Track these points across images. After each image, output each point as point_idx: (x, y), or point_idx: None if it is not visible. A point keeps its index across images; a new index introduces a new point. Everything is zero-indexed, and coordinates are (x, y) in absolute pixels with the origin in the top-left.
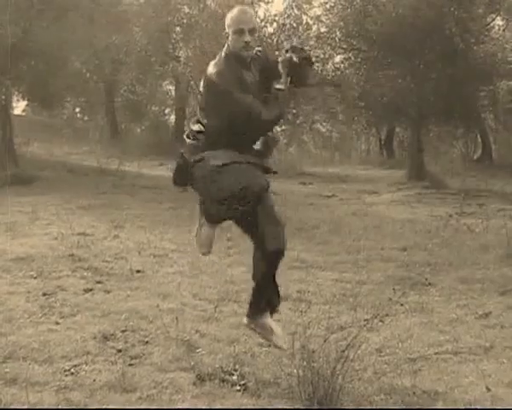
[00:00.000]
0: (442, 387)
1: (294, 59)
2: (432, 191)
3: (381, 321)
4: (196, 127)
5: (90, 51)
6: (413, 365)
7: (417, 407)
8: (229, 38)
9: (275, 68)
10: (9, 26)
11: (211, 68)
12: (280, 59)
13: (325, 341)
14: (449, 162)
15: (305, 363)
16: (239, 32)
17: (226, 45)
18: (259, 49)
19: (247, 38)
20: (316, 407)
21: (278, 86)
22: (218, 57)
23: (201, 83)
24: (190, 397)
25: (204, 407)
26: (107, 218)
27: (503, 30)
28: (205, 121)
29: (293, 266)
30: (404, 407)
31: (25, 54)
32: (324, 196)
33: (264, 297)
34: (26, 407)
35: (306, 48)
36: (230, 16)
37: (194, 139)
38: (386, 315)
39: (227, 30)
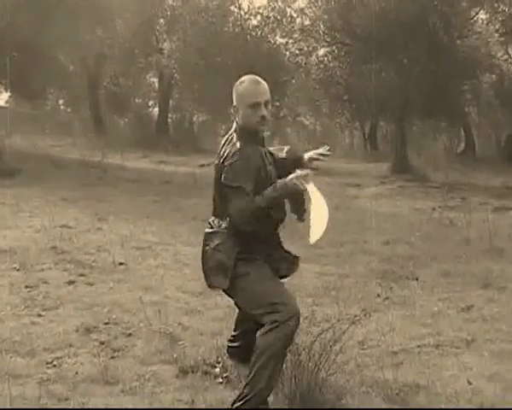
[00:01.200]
0: (424, 380)
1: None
2: (415, 185)
3: (363, 314)
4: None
5: (74, 44)
6: (395, 358)
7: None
8: (240, 113)
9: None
10: None
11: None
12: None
13: (313, 339)
14: (432, 156)
15: (287, 356)
16: (254, 105)
17: (235, 123)
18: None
19: (264, 111)
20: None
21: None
22: (230, 142)
23: (217, 173)
24: (173, 390)
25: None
26: (90, 210)
27: (487, 24)
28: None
29: None
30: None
31: (8, 46)
32: None
33: None
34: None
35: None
36: (243, 88)
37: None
38: (365, 311)
39: (236, 103)
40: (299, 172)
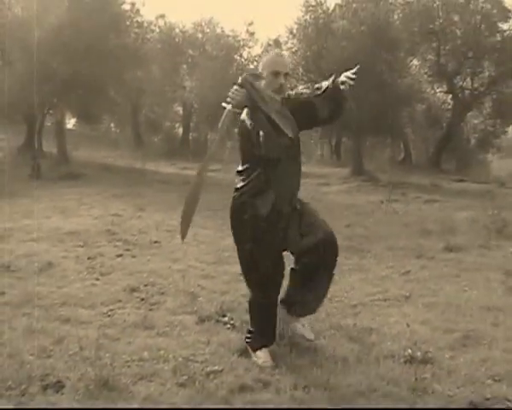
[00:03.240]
0: (375, 324)
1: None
2: (368, 184)
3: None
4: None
5: (121, 82)
6: (354, 309)
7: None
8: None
9: (304, 106)
10: (61, 66)
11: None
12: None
13: None
14: (380, 163)
15: (279, 307)
16: (275, 73)
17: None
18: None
19: (282, 80)
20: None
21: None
22: None
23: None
24: (194, 333)
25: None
26: (133, 203)
27: (419, 68)
28: (244, 164)
29: None
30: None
31: (73, 85)
32: None
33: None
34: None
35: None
36: (268, 57)
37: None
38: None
39: (261, 70)
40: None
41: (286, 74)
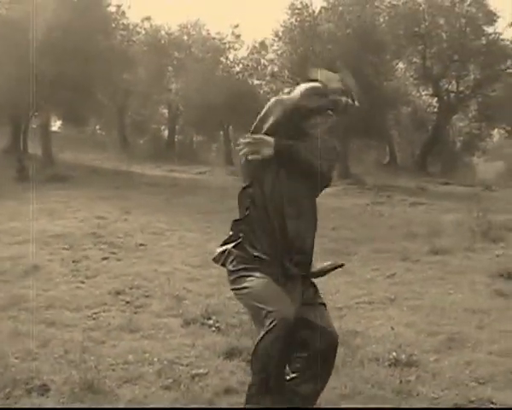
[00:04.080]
0: (360, 327)
1: None
2: (354, 187)
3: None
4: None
5: (107, 84)
6: (340, 311)
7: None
8: None
9: None
10: (48, 67)
11: None
12: None
13: None
14: (366, 166)
15: None
16: None
17: None
18: None
19: None
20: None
21: None
22: None
23: None
24: (179, 336)
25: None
26: (118, 206)
27: (405, 71)
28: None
29: None
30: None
31: (60, 87)
32: None
33: None
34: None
35: None
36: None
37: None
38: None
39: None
40: None
41: None
